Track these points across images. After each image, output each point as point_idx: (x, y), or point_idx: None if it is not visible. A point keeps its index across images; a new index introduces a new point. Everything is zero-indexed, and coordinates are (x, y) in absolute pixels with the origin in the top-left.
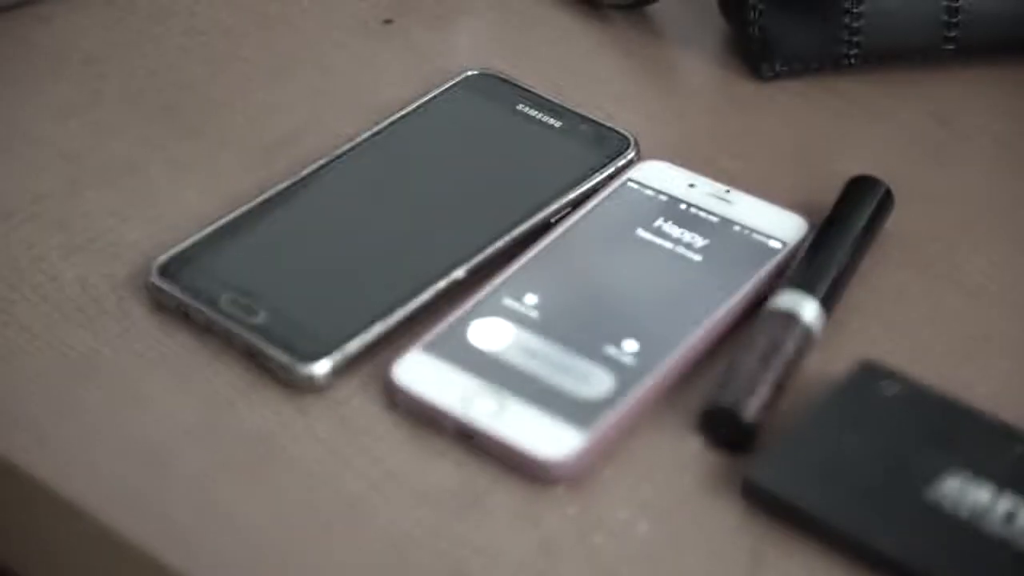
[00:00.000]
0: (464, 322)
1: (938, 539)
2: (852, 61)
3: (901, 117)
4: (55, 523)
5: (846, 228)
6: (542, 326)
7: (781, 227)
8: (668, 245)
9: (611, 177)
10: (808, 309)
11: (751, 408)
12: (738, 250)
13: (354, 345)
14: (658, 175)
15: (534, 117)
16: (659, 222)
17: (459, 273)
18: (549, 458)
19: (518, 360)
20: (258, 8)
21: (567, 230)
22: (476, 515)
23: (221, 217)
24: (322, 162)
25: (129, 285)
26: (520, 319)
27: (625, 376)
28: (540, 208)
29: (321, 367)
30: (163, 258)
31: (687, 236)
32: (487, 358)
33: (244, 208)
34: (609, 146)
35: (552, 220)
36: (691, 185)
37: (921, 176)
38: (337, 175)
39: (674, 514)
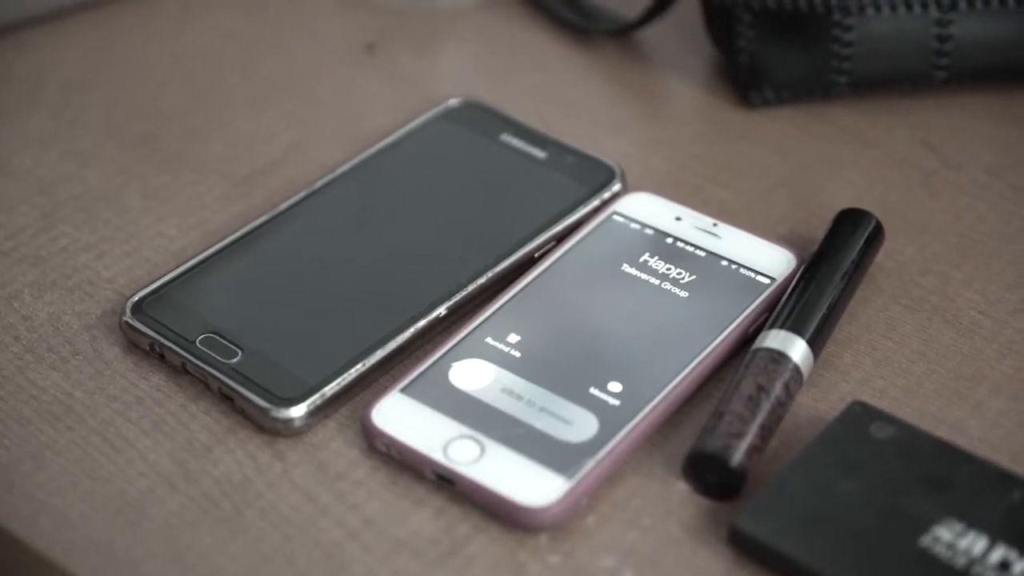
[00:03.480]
0: (444, 363)
1: None
2: (842, 88)
3: (891, 145)
4: (23, 574)
5: (835, 265)
6: (525, 367)
7: (769, 261)
8: (654, 281)
9: (597, 210)
10: (797, 350)
11: (738, 453)
12: (725, 286)
13: (332, 388)
14: (644, 207)
15: (518, 148)
16: (645, 257)
17: (441, 311)
18: (531, 505)
19: (500, 403)
20: (241, 35)
21: (551, 266)
22: (457, 563)
23: (198, 253)
24: (301, 195)
25: (102, 324)
26: (502, 360)
27: (610, 419)
28: (524, 243)
29: (298, 410)
30: (137, 296)
31: (673, 271)
32: (468, 400)
33: (221, 244)
34: (595, 178)
35: (536, 255)
36: (678, 218)
37: (912, 206)
38: (317, 209)
39: (659, 562)
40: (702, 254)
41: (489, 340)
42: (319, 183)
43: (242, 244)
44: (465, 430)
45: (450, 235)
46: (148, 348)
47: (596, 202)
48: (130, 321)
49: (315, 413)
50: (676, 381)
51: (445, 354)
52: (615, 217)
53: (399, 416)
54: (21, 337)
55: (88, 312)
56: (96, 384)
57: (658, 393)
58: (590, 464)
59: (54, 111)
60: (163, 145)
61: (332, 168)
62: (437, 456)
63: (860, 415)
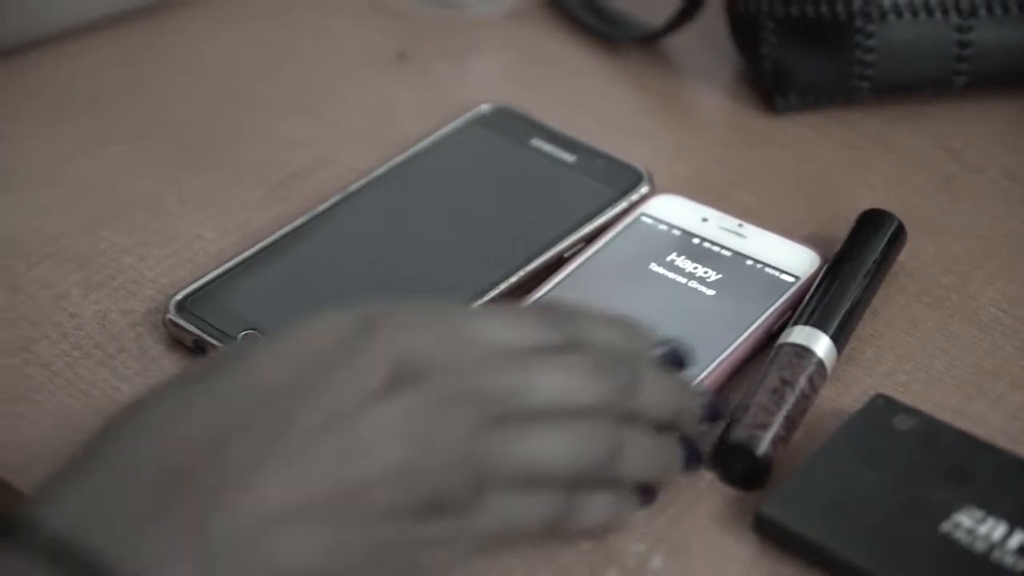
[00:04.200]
0: None
1: (953, 573)
2: (864, 94)
3: (913, 149)
4: None
5: (858, 263)
6: None
7: (794, 261)
8: (681, 280)
9: (625, 211)
10: (821, 345)
11: (764, 443)
12: (751, 284)
13: None
14: (671, 209)
15: (548, 152)
16: (672, 256)
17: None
18: None
19: None
20: (274, 44)
21: (580, 265)
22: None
23: (237, 254)
24: (337, 198)
25: (147, 322)
26: None
27: None
28: (554, 243)
29: None
30: (180, 295)
31: (700, 270)
32: None
33: (260, 244)
34: (623, 180)
35: (565, 255)
36: (704, 219)
37: (933, 208)
38: (351, 211)
39: (688, 548)
40: (728, 254)
41: None
42: (354, 186)
43: (280, 245)
44: None
45: (482, 236)
46: (191, 345)
47: (624, 204)
48: (174, 318)
49: None
50: (702, 377)
51: None
52: (643, 218)
53: None
54: (69, 334)
55: (133, 310)
56: (142, 379)
57: None
58: None
59: (90, 119)
60: (199, 151)
61: (366, 173)
62: None
63: (883, 408)
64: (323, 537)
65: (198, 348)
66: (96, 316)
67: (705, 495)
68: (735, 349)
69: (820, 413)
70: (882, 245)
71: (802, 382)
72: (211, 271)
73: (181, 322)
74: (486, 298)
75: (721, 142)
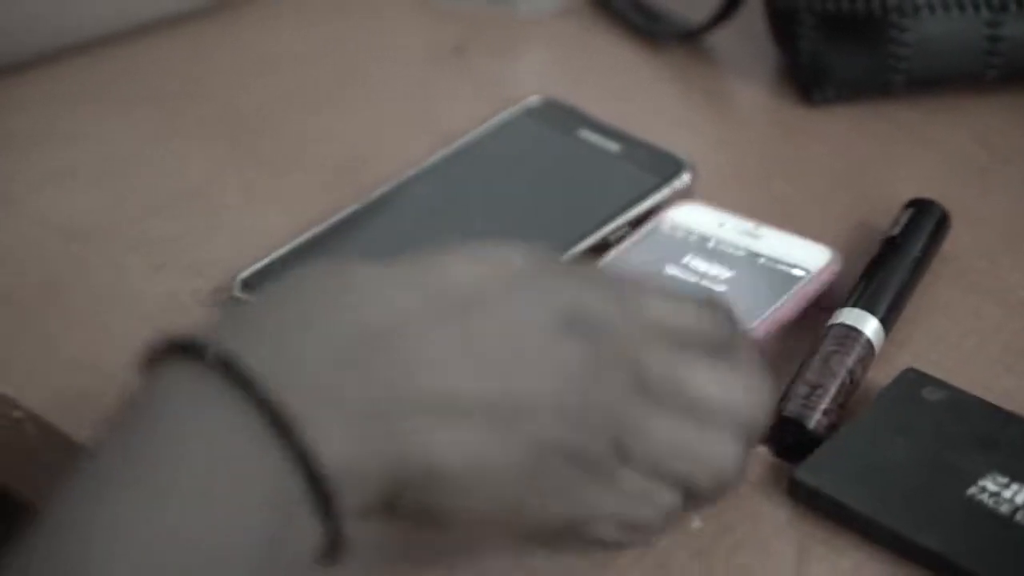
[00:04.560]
0: None
1: (979, 533)
2: (899, 86)
3: (945, 141)
4: None
5: (906, 249)
6: None
7: (805, 256)
8: (693, 279)
9: (667, 199)
10: (870, 327)
11: (814, 418)
12: (761, 279)
13: None
14: (691, 216)
15: (594, 142)
16: (687, 259)
17: None
18: None
19: None
20: (332, 41)
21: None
22: None
23: (296, 236)
24: (391, 185)
25: (213, 300)
26: None
27: None
28: (599, 227)
29: None
30: (246, 273)
31: (714, 270)
32: None
33: (319, 227)
34: (665, 169)
35: (611, 239)
36: (721, 224)
37: (965, 198)
38: (406, 197)
39: (725, 511)
40: (741, 254)
41: None
42: (408, 174)
43: (338, 228)
44: None
45: (530, 221)
46: None
47: (667, 191)
48: (240, 296)
49: None
50: None
51: None
52: (662, 226)
53: None
54: (139, 311)
55: (200, 289)
56: None
57: None
58: None
59: (156, 113)
60: (259, 143)
61: (419, 162)
62: None
63: (913, 380)
64: (480, 437)
65: None
66: (166, 294)
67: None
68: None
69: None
70: (929, 232)
71: (851, 361)
72: (273, 252)
73: (246, 298)
74: None
75: (760, 134)
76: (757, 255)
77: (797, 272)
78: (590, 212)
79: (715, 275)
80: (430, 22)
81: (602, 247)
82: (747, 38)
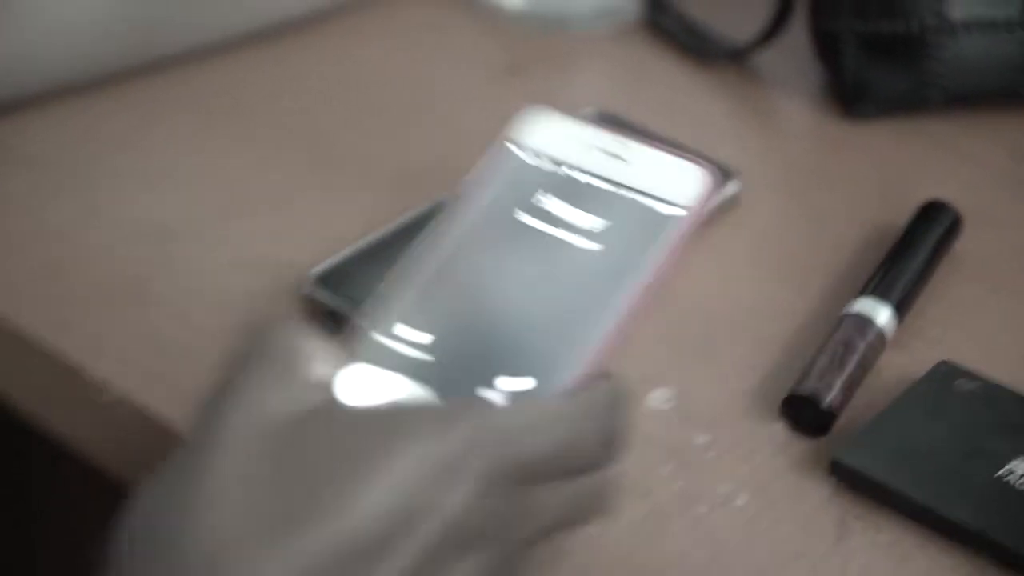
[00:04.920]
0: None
1: (1008, 510)
2: (937, 102)
3: (980, 154)
4: None
5: (915, 244)
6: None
7: (680, 183)
8: (553, 231)
9: (714, 207)
10: (882, 314)
11: (828, 397)
12: (632, 226)
13: None
14: (542, 132)
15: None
16: (540, 196)
17: None
18: None
19: None
20: (398, 60)
21: (452, 225)
22: None
23: (364, 238)
24: (450, 194)
25: (285, 297)
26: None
27: None
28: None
29: None
30: (317, 270)
31: (573, 215)
32: None
33: (386, 230)
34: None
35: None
36: (582, 143)
37: (999, 206)
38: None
39: (768, 489)
40: (605, 187)
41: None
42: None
43: (403, 231)
44: None
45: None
46: (326, 315)
47: (714, 199)
48: (312, 293)
49: None
50: (591, 349)
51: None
52: (508, 146)
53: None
54: (222, 304)
55: (273, 287)
56: None
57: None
58: None
59: (239, 124)
60: (330, 154)
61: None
62: None
63: (945, 372)
64: None
65: (332, 320)
66: (241, 291)
67: (783, 447)
68: (620, 312)
69: (890, 379)
70: (940, 230)
71: (862, 345)
72: (342, 253)
73: (318, 296)
74: None
75: (804, 147)
76: (625, 189)
77: (673, 211)
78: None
79: (576, 224)
80: (489, 43)
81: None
82: (792, 57)
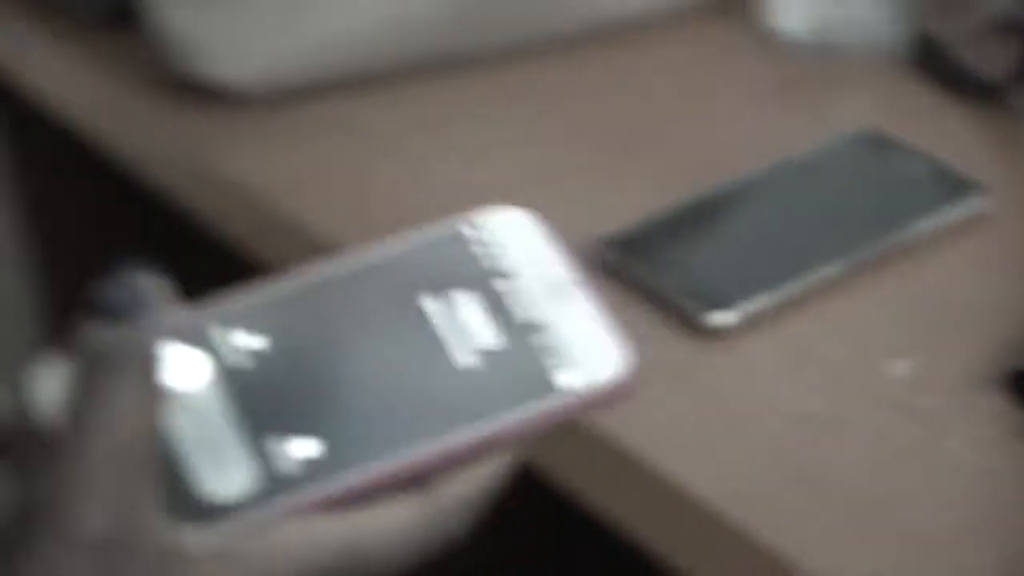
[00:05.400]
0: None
1: None
2: None
3: None
4: None
5: None
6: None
7: (595, 360)
8: (443, 330)
9: (959, 219)
10: None
11: None
12: (518, 375)
13: (752, 305)
14: (511, 230)
15: (904, 164)
16: (456, 291)
17: (834, 269)
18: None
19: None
20: (682, 75)
21: (376, 262)
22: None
23: (649, 213)
24: (725, 183)
25: (576, 253)
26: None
27: (276, 484)
28: (898, 228)
29: (728, 317)
30: (609, 236)
31: (475, 321)
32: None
33: (666, 208)
34: (962, 193)
35: (903, 243)
36: (534, 260)
37: None
38: (736, 191)
39: (991, 453)
40: (520, 318)
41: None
42: (742, 176)
43: (684, 208)
44: None
45: (834, 223)
46: (614, 272)
47: (961, 210)
48: (606, 253)
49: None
50: (388, 463)
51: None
52: (463, 229)
53: None
54: None
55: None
56: None
57: (360, 467)
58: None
59: (538, 116)
60: (616, 151)
61: (749, 174)
62: None
63: None
64: None
65: (624, 277)
66: None
67: (1009, 417)
68: (447, 444)
69: None
70: None
71: None
72: (631, 223)
73: (611, 256)
74: (849, 259)
75: None
76: (535, 328)
77: (567, 381)
78: (886, 222)
79: (471, 333)
80: (764, 63)
81: (894, 252)
82: None
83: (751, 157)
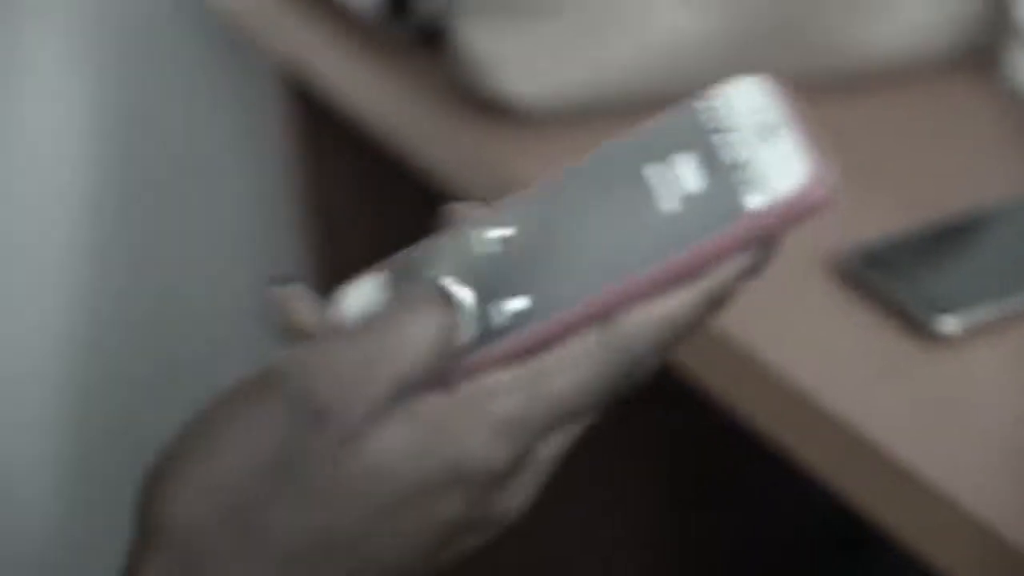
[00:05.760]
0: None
1: None
2: None
3: None
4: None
5: None
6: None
7: (783, 178)
8: (653, 189)
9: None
10: None
11: None
12: (711, 205)
13: (980, 313)
14: (738, 93)
15: None
16: (676, 154)
17: None
18: None
19: None
20: (927, 116)
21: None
22: None
23: (893, 231)
24: (965, 210)
25: (823, 262)
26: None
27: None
28: None
29: (954, 323)
30: (853, 246)
31: (686, 177)
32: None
33: (913, 228)
34: None
35: None
36: (754, 109)
37: None
38: (976, 217)
39: None
40: (725, 158)
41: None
42: (980, 207)
43: (928, 230)
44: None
45: None
46: (855, 283)
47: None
48: (850, 264)
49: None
50: (589, 300)
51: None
52: (697, 105)
53: None
54: (764, 282)
55: (809, 255)
56: (815, 316)
57: (558, 312)
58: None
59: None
60: (874, 173)
61: (988, 204)
62: None
63: None
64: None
65: (865, 287)
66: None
67: None
68: (647, 272)
69: None
70: None
71: None
72: (876, 239)
73: (855, 267)
74: None
75: None
76: (736, 167)
77: (751, 200)
78: None
79: (679, 183)
80: (1013, 114)
81: None
82: None
83: (992, 193)
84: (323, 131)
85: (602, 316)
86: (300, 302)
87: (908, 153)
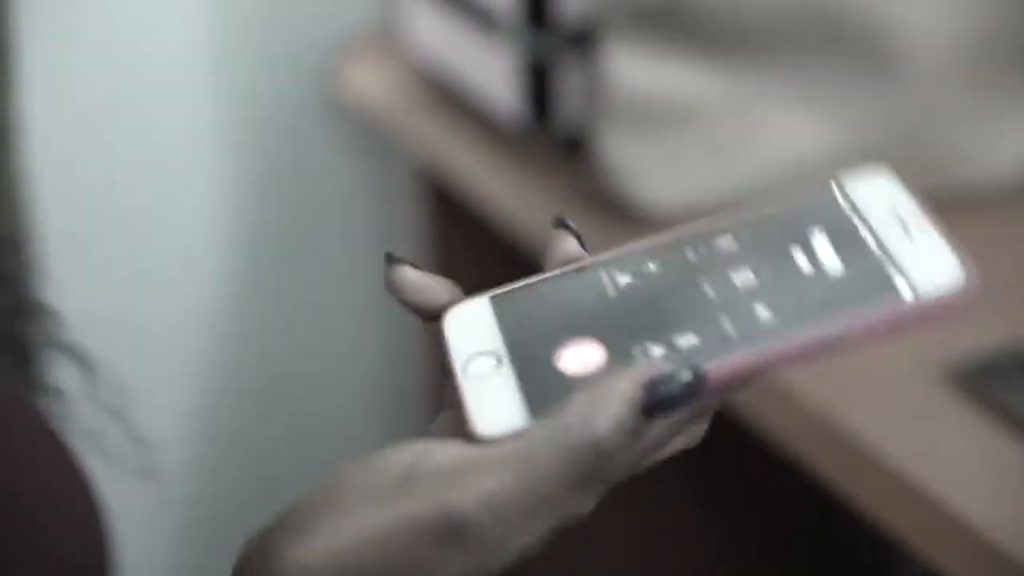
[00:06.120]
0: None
1: None
2: None
3: None
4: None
5: None
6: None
7: (931, 273)
8: (796, 256)
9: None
10: None
11: None
12: (862, 284)
13: None
14: (865, 185)
15: None
16: (815, 232)
17: None
18: None
19: None
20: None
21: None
22: None
23: (1003, 343)
24: None
25: (942, 373)
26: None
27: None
28: None
29: None
30: (968, 356)
31: (824, 254)
32: None
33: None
34: None
35: None
36: (891, 204)
37: None
38: None
39: None
40: (869, 245)
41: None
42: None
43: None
44: None
45: None
46: (987, 400)
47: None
48: (971, 376)
49: None
50: (715, 362)
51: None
52: (836, 194)
53: None
54: (875, 384)
55: (913, 368)
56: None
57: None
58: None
59: None
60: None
61: None
62: None
63: None
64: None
65: (996, 406)
66: (892, 372)
67: None
68: (765, 351)
69: None
70: None
71: None
72: (989, 350)
73: (980, 384)
74: None
75: None
76: (882, 254)
77: (902, 292)
78: None
79: (824, 261)
80: None
81: None
82: None
83: None
84: (455, 227)
85: (763, 370)
86: (419, 280)
87: (1017, 269)
